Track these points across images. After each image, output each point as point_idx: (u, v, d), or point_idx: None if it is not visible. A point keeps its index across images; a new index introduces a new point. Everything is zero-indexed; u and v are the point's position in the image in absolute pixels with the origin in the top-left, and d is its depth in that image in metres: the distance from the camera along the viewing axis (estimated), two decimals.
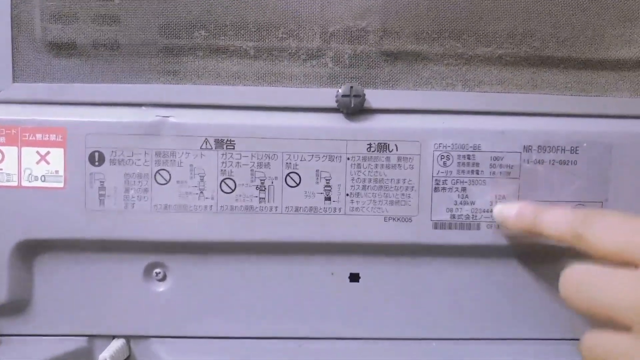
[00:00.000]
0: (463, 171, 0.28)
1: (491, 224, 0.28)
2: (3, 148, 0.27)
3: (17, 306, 0.28)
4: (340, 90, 0.27)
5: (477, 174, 0.28)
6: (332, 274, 0.29)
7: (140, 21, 0.27)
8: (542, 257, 0.29)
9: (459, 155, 0.28)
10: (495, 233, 0.28)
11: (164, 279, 0.29)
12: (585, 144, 0.28)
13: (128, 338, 0.29)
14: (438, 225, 0.28)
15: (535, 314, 0.30)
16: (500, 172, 0.28)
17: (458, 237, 0.28)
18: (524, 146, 0.28)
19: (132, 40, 0.27)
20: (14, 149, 0.27)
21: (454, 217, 0.28)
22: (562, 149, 0.28)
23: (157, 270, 0.29)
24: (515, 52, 0.28)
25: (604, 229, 0.21)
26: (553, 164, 0.28)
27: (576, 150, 0.28)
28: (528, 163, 0.28)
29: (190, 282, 0.29)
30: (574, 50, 0.28)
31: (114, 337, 0.29)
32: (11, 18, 0.27)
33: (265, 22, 0.27)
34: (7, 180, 0.27)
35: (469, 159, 0.28)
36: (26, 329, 0.29)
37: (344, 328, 0.30)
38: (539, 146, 0.28)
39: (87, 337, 0.29)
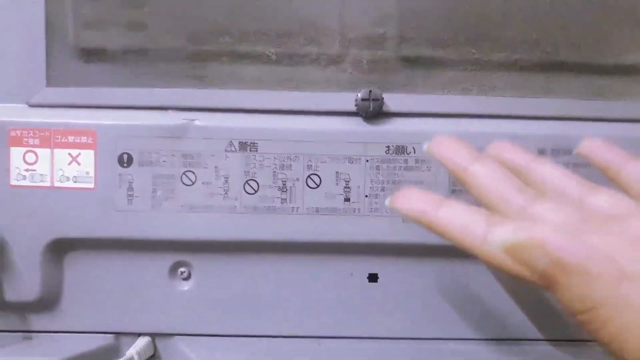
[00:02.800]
0: None
1: None
2: (37, 150, 0.28)
3: (47, 303, 0.29)
4: (359, 95, 0.28)
5: None
6: (352, 274, 0.30)
7: (167, 28, 0.28)
8: None
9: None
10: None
11: (188, 277, 0.30)
12: None
13: (153, 336, 0.30)
14: None
15: (552, 315, 0.30)
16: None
17: None
18: (538, 149, 0.29)
19: (160, 46, 0.29)
20: (47, 151, 0.28)
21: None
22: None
23: (182, 269, 0.30)
24: (529, 58, 0.29)
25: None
26: (567, 167, 0.29)
27: None
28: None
29: (214, 281, 0.30)
30: (587, 56, 0.29)
31: (139, 334, 0.30)
32: (45, 25, 0.28)
33: (286, 29, 0.28)
34: (41, 181, 0.28)
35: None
36: (56, 326, 0.30)
37: (363, 327, 0.30)
38: (552, 149, 0.29)
39: (114, 335, 0.30)
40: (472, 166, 0.23)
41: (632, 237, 0.19)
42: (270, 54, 0.29)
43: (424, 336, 0.30)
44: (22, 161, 0.28)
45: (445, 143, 0.24)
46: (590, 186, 0.22)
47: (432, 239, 0.29)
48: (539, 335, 0.30)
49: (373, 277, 0.30)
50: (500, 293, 0.30)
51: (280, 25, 0.28)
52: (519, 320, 0.30)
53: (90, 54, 0.29)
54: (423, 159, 0.29)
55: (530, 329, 0.30)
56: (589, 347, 0.30)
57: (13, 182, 0.28)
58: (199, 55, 0.29)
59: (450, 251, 0.29)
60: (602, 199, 0.21)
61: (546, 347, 0.30)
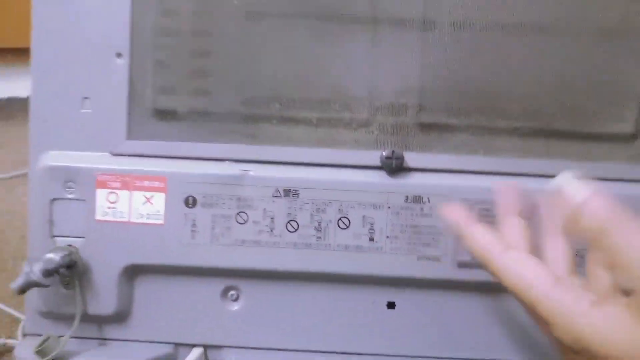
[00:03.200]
0: (483, 221, 0.34)
1: None
2: (118, 191, 0.34)
3: (120, 316, 0.36)
4: (384, 153, 0.34)
5: (494, 224, 0.34)
6: (373, 302, 0.36)
7: (227, 95, 0.34)
8: None
9: (479, 208, 0.34)
10: None
11: (237, 299, 0.36)
12: None
13: (206, 347, 0.36)
14: (462, 264, 0.34)
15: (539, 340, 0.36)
16: None
17: (477, 275, 0.34)
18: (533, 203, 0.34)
19: (220, 109, 0.35)
20: (127, 193, 0.34)
21: (474, 260, 0.34)
22: None
23: (232, 292, 0.36)
24: (529, 126, 0.34)
25: None
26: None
27: None
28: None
29: (258, 303, 0.36)
30: (578, 125, 0.34)
31: (194, 345, 0.36)
32: (128, 90, 0.35)
33: (325, 98, 0.34)
34: (120, 217, 0.34)
35: (487, 211, 0.34)
36: (126, 335, 0.36)
37: (383, 345, 0.36)
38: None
39: (173, 345, 0.36)
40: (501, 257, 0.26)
41: None
42: (311, 118, 0.34)
43: (433, 355, 0.36)
44: (106, 200, 0.34)
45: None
46: None
47: (441, 274, 0.34)
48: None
49: (391, 305, 0.36)
50: (498, 321, 0.36)
51: (320, 95, 0.34)
52: (513, 344, 0.36)
53: (163, 114, 0.35)
54: (434, 207, 0.34)
55: (519, 351, 0.36)
56: None
57: (98, 217, 0.34)
58: (252, 118, 0.35)
59: (456, 285, 0.35)
60: None
61: None
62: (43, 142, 0.35)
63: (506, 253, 0.26)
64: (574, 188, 0.25)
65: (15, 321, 0.53)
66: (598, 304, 0.23)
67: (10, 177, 0.85)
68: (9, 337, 0.51)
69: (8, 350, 0.50)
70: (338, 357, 0.36)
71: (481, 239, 0.28)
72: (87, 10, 0.34)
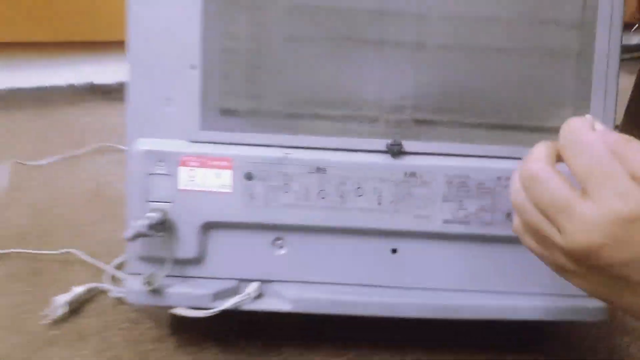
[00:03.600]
0: (460, 190, 0.47)
1: (482, 222, 0.48)
2: (196, 169, 0.47)
3: (198, 260, 0.49)
4: (388, 142, 0.47)
5: (468, 192, 0.47)
6: (381, 248, 0.49)
7: (273, 98, 0.47)
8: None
9: (458, 182, 0.47)
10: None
11: (282, 246, 0.49)
12: None
13: (260, 281, 0.50)
14: (446, 221, 0.48)
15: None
16: (483, 192, 0.47)
17: (457, 229, 0.48)
18: (497, 177, 0.47)
19: (269, 108, 0.47)
20: (202, 170, 0.47)
21: (454, 218, 0.48)
22: None
23: (279, 241, 0.49)
24: (492, 121, 0.47)
25: None
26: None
27: None
28: (500, 187, 0.47)
29: (298, 249, 0.49)
30: (527, 120, 0.47)
31: (251, 280, 0.50)
32: (200, 93, 0.47)
33: (345, 100, 0.47)
34: (197, 187, 0.47)
35: (464, 184, 0.47)
36: (202, 273, 0.49)
37: (388, 279, 0.50)
38: (506, 177, 0.47)
39: (237, 280, 0.50)
40: None
41: None
42: (335, 115, 0.47)
43: (423, 286, 0.50)
44: (187, 175, 0.47)
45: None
46: None
47: (430, 228, 0.47)
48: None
49: (394, 250, 0.49)
50: (474, 261, 0.49)
51: (341, 98, 0.47)
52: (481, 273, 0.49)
53: (227, 111, 0.47)
54: (426, 182, 0.47)
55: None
56: None
57: (181, 187, 0.48)
58: (292, 115, 0.47)
59: (442, 236, 0.48)
60: None
61: None
62: (137, 131, 0.48)
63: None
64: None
65: (99, 271, 0.67)
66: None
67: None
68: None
69: (94, 296, 0.63)
70: (355, 287, 0.49)
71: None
72: (170, 32, 0.46)
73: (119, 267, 0.67)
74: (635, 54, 1.77)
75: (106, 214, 0.81)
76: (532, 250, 0.38)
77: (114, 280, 0.65)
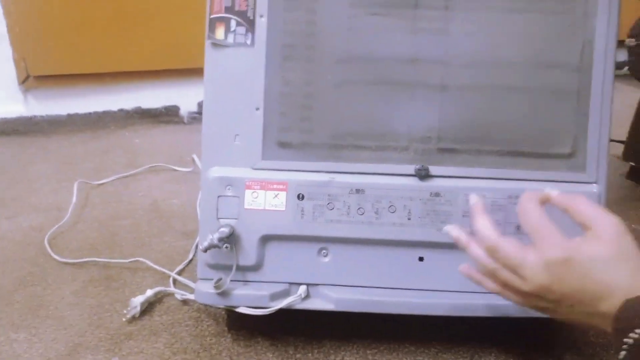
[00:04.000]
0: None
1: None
2: (258, 191, 0.57)
3: (257, 266, 0.59)
4: (417, 167, 0.56)
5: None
6: (410, 257, 0.58)
7: (322, 133, 0.57)
8: None
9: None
10: None
11: (327, 255, 0.59)
12: None
13: (307, 285, 0.59)
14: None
15: None
16: (496, 208, 0.56)
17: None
18: (509, 195, 0.56)
19: (318, 141, 0.57)
20: (263, 192, 0.57)
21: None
22: None
23: (324, 251, 0.59)
24: (505, 149, 0.56)
25: None
26: None
27: None
28: (511, 204, 0.56)
29: (340, 258, 0.59)
30: (536, 148, 0.56)
31: (300, 284, 0.59)
32: (262, 131, 0.57)
33: (381, 133, 0.57)
34: (259, 206, 0.57)
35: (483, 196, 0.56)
36: (260, 278, 0.59)
37: (416, 284, 0.59)
38: (516, 196, 0.56)
39: (288, 284, 0.59)
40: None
41: None
42: (372, 146, 0.57)
43: (446, 289, 0.58)
44: (250, 196, 0.58)
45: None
46: None
47: (451, 240, 0.57)
48: None
49: (421, 259, 0.58)
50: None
51: (377, 132, 0.57)
52: None
53: (284, 144, 0.58)
54: (449, 201, 0.56)
55: None
56: None
57: (246, 207, 0.58)
58: (337, 146, 0.57)
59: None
60: None
61: None
62: (210, 161, 0.58)
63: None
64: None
65: (164, 277, 0.77)
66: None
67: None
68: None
69: (161, 298, 0.74)
70: (387, 290, 0.59)
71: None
72: (239, 80, 0.57)
73: (180, 273, 0.78)
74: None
75: (164, 227, 0.92)
76: (494, 292, 0.49)
77: (177, 284, 0.75)
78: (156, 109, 1.43)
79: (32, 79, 1.33)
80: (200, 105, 1.47)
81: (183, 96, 1.45)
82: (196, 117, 1.47)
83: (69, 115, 1.38)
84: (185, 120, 1.46)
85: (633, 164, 1.04)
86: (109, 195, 1.04)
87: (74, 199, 0.99)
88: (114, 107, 1.41)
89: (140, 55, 1.37)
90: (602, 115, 0.56)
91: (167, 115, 1.44)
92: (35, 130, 1.38)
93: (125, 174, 1.12)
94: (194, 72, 1.39)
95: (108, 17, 1.33)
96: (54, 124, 1.39)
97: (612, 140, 0.60)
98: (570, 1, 0.55)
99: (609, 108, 0.56)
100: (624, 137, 1.04)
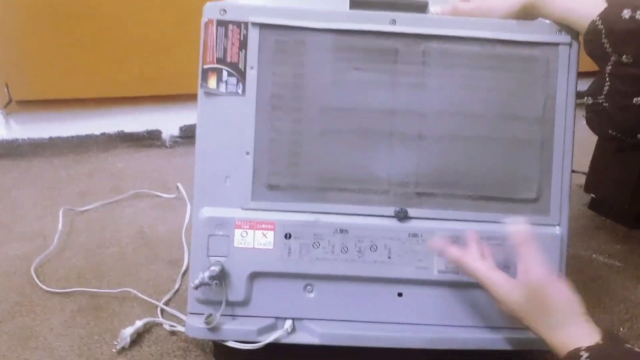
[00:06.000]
0: (453, 244, 0.61)
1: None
2: (247, 230, 0.61)
3: (245, 302, 0.62)
4: (396, 209, 0.61)
5: (461, 245, 0.61)
6: (390, 293, 0.62)
7: (308, 176, 0.61)
8: None
9: (451, 236, 0.61)
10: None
11: (312, 291, 0.62)
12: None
13: (293, 319, 0.63)
14: (440, 272, 0.61)
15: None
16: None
17: (450, 277, 0.61)
18: (480, 237, 0.61)
19: (304, 184, 0.61)
20: (252, 231, 0.61)
21: (447, 269, 0.61)
22: (499, 238, 0.61)
23: (309, 287, 0.62)
24: (476, 194, 0.61)
25: None
26: (496, 245, 0.61)
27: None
28: (486, 244, 0.61)
29: (324, 293, 0.62)
30: (504, 193, 0.61)
31: (286, 318, 0.63)
32: (252, 174, 0.61)
33: (363, 178, 0.61)
34: (248, 245, 0.61)
35: (455, 242, 0.61)
36: (248, 313, 0.62)
37: (395, 318, 0.63)
38: (487, 237, 0.61)
39: (274, 318, 0.63)
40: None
41: None
42: (354, 189, 0.61)
43: (425, 322, 0.63)
44: (240, 236, 0.61)
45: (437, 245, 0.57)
46: None
47: (428, 277, 0.61)
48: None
49: (400, 294, 0.63)
50: (464, 300, 0.63)
51: (360, 177, 0.61)
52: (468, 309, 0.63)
53: (272, 186, 0.61)
54: (425, 240, 0.61)
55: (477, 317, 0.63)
56: None
57: (235, 245, 0.61)
58: (322, 188, 0.61)
59: (437, 283, 0.62)
60: None
61: None
62: (202, 202, 0.62)
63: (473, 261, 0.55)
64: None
65: (151, 306, 0.79)
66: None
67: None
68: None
69: (149, 328, 0.76)
70: (369, 324, 0.63)
71: (455, 253, 0.56)
72: (230, 127, 0.61)
73: (168, 302, 0.80)
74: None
75: (150, 255, 0.94)
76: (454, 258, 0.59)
77: (164, 314, 0.78)
78: (138, 133, 1.45)
79: (14, 104, 1.34)
80: (182, 129, 1.50)
81: (165, 120, 1.47)
82: (178, 140, 1.49)
83: (51, 139, 1.39)
84: (167, 144, 1.48)
85: (594, 195, 1.11)
86: (94, 222, 1.06)
87: (60, 226, 1.01)
88: (97, 131, 1.42)
89: (122, 82, 1.39)
90: (564, 163, 0.62)
91: (150, 139, 1.46)
92: (16, 154, 1.39)
93: (109, 200, 1.14)
94: (176, 97, 1.43)
95: (90, 43, 1.35)
96: (36, 147, 1.40)
97: (574, 172, 0.65)
98: (533, 61, 0.61)
99: (570, 156, 0.62)
100: (587, 165, 1.11)
